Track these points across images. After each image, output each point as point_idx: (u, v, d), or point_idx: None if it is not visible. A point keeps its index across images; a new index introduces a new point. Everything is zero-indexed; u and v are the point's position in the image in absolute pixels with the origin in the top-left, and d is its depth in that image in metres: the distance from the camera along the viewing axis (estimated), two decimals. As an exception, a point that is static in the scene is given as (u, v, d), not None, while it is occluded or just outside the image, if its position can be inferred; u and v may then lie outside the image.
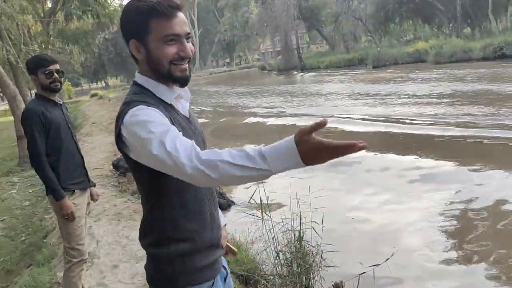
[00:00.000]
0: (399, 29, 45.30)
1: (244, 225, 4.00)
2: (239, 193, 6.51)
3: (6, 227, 6.24)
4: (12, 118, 10.99)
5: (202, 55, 79.83)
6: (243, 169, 1.08)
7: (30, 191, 8.28)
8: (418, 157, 7.42)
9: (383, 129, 10.05)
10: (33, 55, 13.47)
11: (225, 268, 1.58)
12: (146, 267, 1.45)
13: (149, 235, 1.39)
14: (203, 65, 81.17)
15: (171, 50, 1.31)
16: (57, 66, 2.95)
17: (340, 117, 12.02)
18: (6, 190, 8.65)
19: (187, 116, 1.44)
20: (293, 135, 1.07)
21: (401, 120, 10.67)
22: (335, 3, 44.38)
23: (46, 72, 2.88)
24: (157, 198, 1.35)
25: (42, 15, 17.60)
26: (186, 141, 1.16)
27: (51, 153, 2.89)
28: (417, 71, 23.32)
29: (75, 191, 3.00)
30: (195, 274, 1.38)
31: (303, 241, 3.15)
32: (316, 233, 3.14)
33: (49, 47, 17.32)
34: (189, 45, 1.35)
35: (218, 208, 1.57)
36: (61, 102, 3.06)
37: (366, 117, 11.83)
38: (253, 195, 3.31)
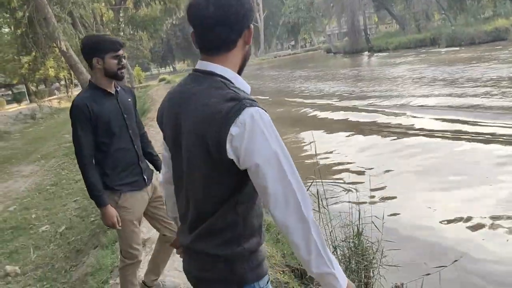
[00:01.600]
0: (477, 5, 42.11)
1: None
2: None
3: (79, 207, 6.63)
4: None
5: (267, 38, 79.66)
6: (319, 252, 1.24)
7: (101, 173, 8.73)
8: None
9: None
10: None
11: None
12: (206, 275, 1.41)
13: (216, 236, 1.34)
14: (268, 49, 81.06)
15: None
16: (123, 52, 2.61)
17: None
18: (80, 172, 9.19)
19: None
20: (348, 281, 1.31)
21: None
22: (406, -21, 42.15)
23: (116, 56, 2.52)
24: (233, 196, 1.31)
25: (114, 2, 18.32)
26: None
27: (99, 149, 2.57)
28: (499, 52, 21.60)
29: (125, 192, 2.63)
30: (260, 268, 1.39)
31: (362, 237, 3.00)
32: (377, 228, 2.98)
33: (121, 33, 18.04)
34: None
35: None
36: (118, 89, 2.68)
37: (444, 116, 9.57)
38: (309, 187, 3.20)
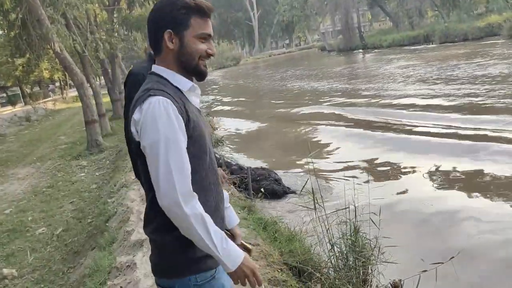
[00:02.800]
0: (469, 2, 42.22)
1: (299, 214, 3.91)
2: (295, 181, 6.41)
3: (75, 209, 6.61)
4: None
5: (261, 37, 79.58)
6: (205, 238, 1.31)
7: (97, 174, 8.71)
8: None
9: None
10: (98, 43, 14.11)
11: None
12: (150, 258, 1.49)
13: (152, 222, 1.43)
14: (263, 47, 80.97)
15: (203, 46, 1.46)
16: None
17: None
18: (76, 173, 9.17)
19: (198, 108, 1.53)
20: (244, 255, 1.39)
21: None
22: (400, -23, 42.22)
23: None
24: None
25: (107, 3, 18.20)
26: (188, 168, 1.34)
27: None
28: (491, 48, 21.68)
29: None
30: (197, 263, 1.41)
31: (360, 233, 3.01)
32: (375, 224, 2.98)
33: (115, 34, 17.94)
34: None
35: (228, 205, 1.68)
36: None
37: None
38: (305, 185, 3.21)
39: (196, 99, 1.52)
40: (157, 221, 1.40)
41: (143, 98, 1.35)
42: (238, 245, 1.56)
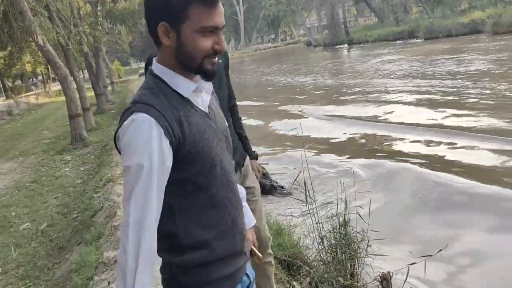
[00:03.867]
0: (454, -2, 42.76)
1: (288, 207, 3.91)
2: (284, 175, 6.42)
3: (60, 204, 6.52)
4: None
5: (247, 32, 79.40)
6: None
7: (82, 169, 8.60)
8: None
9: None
10: (82, 36, 13.89)
11: (248, 276, 1.43)
12: (161, 271, 1.33)
13: (161, 241, 1.22)
14: (248, 42, 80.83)
15: (207, 43, 1.18)
16: None
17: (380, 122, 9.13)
18: (60, 168, 9.05)
19: (207, 111, 1.30)
20: None
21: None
22: (385, -27, 42.49)
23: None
24: (167, 202, 1.20)
25: (91, -4, 17.99)
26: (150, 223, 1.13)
27: None
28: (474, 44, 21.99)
29: None
30: (211, 285, 1.27)
31: (349, 227, 3.02)
32: (361, 218, 3.00)
33: (99, 27, 17.71)
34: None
35: (245, 209, 1.47)
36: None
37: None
38: (296, 178, 3.21)
39: (206, 98, 1.30)
40: (168, 241, 1.25)
41: (127, 113, 1.16)
42: (246, 254, 1.41)
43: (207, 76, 1.24)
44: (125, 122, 1.14)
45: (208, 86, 1.31)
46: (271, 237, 2.52)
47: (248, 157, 2.47)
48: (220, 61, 2.21)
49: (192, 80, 1.25)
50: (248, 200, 2.28)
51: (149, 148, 1.10)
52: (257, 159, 2.56)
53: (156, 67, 1.25)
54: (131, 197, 1.11)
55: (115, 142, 1.20)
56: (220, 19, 1.19)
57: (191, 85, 1.24)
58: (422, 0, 41.68)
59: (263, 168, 4.64)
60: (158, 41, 1.22)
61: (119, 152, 1.19)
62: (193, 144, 1.17)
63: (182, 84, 1.22)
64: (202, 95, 1.29)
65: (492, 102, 9.14)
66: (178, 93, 1.21)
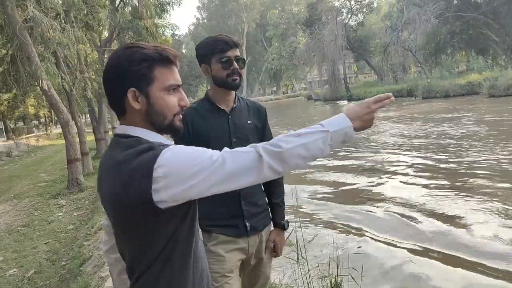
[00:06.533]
0: (451, 60, 44.07)
1: (281, 265, 3.83)
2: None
3: (50, 250, 6.39)
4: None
5: (249, 83, 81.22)
6: (304, 137, 1.20)
7: (75, 214, 8.51)
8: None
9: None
10: (87, 82, 14.20)
11: None
12: None
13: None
14: (250, 93, 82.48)
15: (174, 100, 1.27)
16: (238, 52, 2.08)
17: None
18: (54, 212, 8.95)
19: None
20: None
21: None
22: (384, 34, 44.04)
23: (223, 59, 2.02)
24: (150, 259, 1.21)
25: (99, 44, 18.52)
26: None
27: None
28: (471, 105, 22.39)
29: (217, 234, 2.07)
30: None
31: (341, 289, 2.95)
32: (354, 280, 2.94)
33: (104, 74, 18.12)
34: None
35: None
36: (235, 105, 2.13)
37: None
38: (289, 235, 3.17)
39: None
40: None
41: (156, 154, 1.14)
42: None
43: (177, 132, 1.31)
44: (164, 154, 1.14)
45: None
46: None
47: None
48: (249, 121, 2.16)
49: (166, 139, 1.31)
50: (255, 273, 2.23)
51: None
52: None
53: (130, 129, 1.26)
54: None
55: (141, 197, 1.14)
56: (178, 76, 1.30)
57: (169, 142, 1.28)
58: (420, 60, 42.95)
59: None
60: (122, 109, 1.27)
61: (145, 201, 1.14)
62: None
63: (160, 140, 1.26)
64: None
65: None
66: None
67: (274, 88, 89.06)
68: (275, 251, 2.23)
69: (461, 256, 4.67)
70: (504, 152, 9.57)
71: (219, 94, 2.10)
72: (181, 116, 1.31)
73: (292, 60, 56.02)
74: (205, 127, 2.05)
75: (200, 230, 1.77)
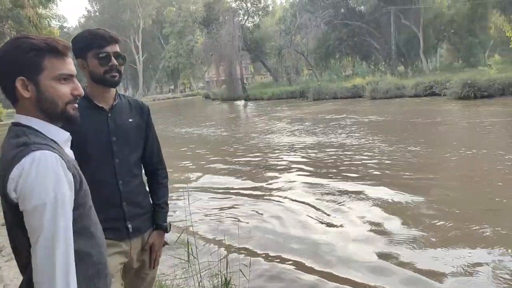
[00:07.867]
0: (339, 64, 47.47)
1: (171, 266, 3.84)
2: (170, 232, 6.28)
3: None
4: None
5: (145, 81, 78.98)
6: None
7: None
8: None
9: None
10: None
11: None
12: None
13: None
14: (147, 91, 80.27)
15: (66, 89, 1.31)
16: (117, 48, 1.98)
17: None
18: None
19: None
20: None
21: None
22: (279, 37, 45.85)
23: (101, 55, 1.92)
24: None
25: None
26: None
27: None
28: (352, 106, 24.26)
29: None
30: None
31: (231, 285, 3.05)
32: (244, 276, 3.06)
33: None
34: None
35: None
36: (115, 103, 2.04)
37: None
38: (180, 236, 3.20)
39: (70, 151, 1.37)
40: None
41: (22, 154, 1.17)
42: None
43: (72, 121, 1.34)
44: (25, 160, 1.17)
45: (69, 137, 1.38)
46: None
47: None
48: (130, 120, 2.07)
49: (61, 129, 1.34)
50: (140, 275, 2.15)
51: (62, 182, 1.18)
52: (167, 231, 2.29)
53: (22, 118, 1.30)
54: (58, 233, 1.16)
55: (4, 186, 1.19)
56: (72, 67, 1.33)
57: (63, 133, 1.34)
58: (311, 64, 45.50)
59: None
60: (14, 97, 1.30)
61: (10, 199, 1.18)
62: (81, 183, 1.28)
63: (55, 131, 1.31)
64: (67, 148, 1.35)
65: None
66: (54, 141, 1.29)
67: (172, 87, 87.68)
68: (151, 255, 2.13)
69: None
70: (384, 148, 10.58)
71: (97, 91, 1.99)
72: (75, 105, 1.33)
73: (190, 58, 55.82)
74: (81, 126, 1.82)
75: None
